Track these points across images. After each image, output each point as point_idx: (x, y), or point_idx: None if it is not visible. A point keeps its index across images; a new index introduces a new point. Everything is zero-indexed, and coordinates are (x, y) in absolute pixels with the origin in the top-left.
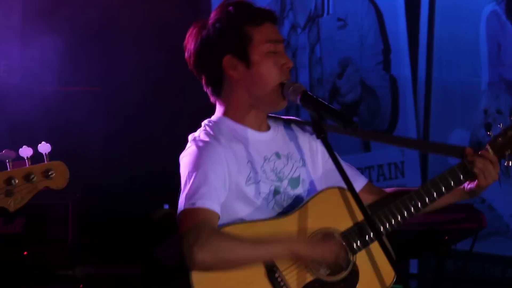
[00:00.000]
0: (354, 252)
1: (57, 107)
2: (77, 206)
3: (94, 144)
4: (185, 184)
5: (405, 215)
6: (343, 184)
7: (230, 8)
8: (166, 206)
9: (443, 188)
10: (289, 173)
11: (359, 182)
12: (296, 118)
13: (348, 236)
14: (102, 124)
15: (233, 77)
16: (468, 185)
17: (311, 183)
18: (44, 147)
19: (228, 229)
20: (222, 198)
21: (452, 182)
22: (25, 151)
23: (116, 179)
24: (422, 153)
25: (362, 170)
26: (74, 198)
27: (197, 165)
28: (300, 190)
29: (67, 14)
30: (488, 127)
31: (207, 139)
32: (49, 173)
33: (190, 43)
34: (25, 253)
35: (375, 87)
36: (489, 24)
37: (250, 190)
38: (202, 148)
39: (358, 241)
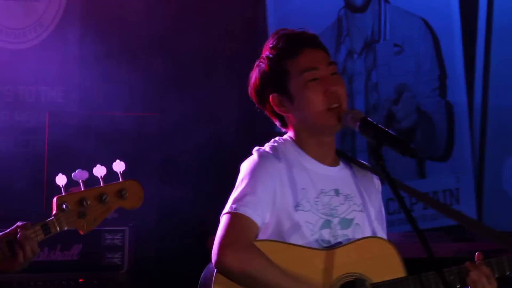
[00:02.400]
0: None
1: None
2: (133, 233)
3: (154, 169)
4: (236, 188)
5: None
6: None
7: (269, 45)
8: None
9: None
10: (343, 213)
11: None
12: (367, 165)
13: None
14: (160, 149)
15: (283, 113)
16: None
17: (366, 230)
18: (119, 166)
19: (264, 243)
20: (266, 211)
21: (496, 272)
22: (99, 170)
23: (173, 206)
24: (477, 180)
25: None
26: (131, 225)
27: (251, 173)
28: (349, 232)
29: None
30: None
31: (270, 152)
32: (123, 193)
33: (249, 83)
34: (81, 280)
35: (431, 113)
36: None
37: (297, 216)
38: (261, 159)
39: None
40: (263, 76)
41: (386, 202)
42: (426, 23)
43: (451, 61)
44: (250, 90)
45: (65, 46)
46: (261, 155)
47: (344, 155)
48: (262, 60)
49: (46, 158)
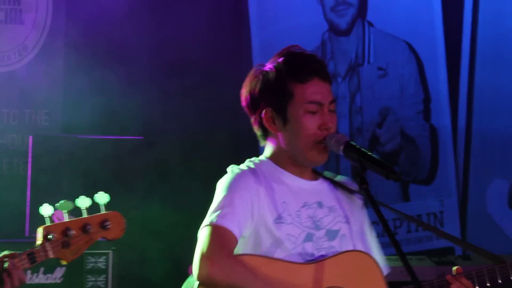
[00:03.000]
0: None
1: (98, 155)
2: (117, 256)
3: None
4: (213, 203)
5: None
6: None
7: (280, 59)
8: None
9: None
10: (328, 224)
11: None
12: (346, 183)
13: None
14: (143, 174)
15: (271, 130)
16: None
17: (350, 241)
18: (102, 198)
19: (246, 258)
20: (244, 224)
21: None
22: (82, 202)
23: (154, 231)
24: (461, 203)
25: (401, 220)
26: (114, 248)
27: (227, 188)
28: (336, 244)
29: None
30: None
31: (244, 168)
32: (106, 224)
33: (243, 88)
34: None
35: (415, 137)
36: None
37: (277, 229)
38: (236, 175)
39: None
40: (265, 87)
41: (370, 225)
42: (410, 46)
43: (435, 84)
44: (244, 93)
45: (49, 69)
46: (236, 171)
47: (320, 173)
48: (270, 70)
49: (29, 181)
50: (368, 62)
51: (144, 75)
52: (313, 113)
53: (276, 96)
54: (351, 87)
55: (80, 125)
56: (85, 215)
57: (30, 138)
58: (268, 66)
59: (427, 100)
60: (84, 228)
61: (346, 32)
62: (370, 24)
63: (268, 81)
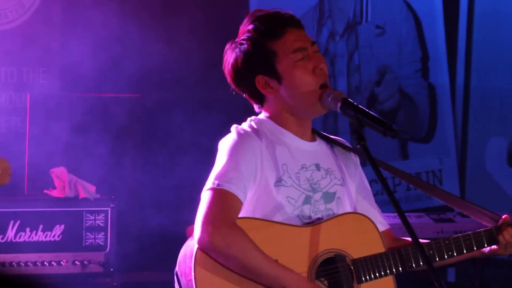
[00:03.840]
0: (360, 281)
1: (97, 113)
2: (115, 214)
3: (129, 151)
4: (216, 165)
5: (420, 263)
6: (370, 214)
7: (250, 27)
8: None
9: (464, 248)
10: (325, 187)
11: (379, 226)
12: (342, 141)
13: (358, 264)
14: (139, 130)
15: (270, 94)
16: (485, 248)
17: (347, 204)
18: None
19: (246, 221)
20: (248, 188)
21: (475, 246)
22: None
23: (152, 188)
24: (460, 161)
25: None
26: (113, 205)
27: (231, 150)
28: (333, 206)
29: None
30: None
31: (248, 130)
32: None
33: (224, 65)
34: (64, 260)
35: (413, 95)
36: None
37: (278, 192)
38: (241, 136)
39: (367, 273)
40: (247, 58)
41: (369, 183)
42: (408, 5)
43: (434, 43)
44: (229, 71)
45: (47, 27)
46: (240, 132)
47: (319, 133)
48: (244, 41)
49: (27, 140)
50: (366, 20)
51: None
52: (302, 60)
53: (261, 61)
54: (349, 46)
55: (78, 83)
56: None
57: (28, 96)
58: (241, 39)
59: (425, 58)
60: None
61: None
62: None
63: (247, 51)
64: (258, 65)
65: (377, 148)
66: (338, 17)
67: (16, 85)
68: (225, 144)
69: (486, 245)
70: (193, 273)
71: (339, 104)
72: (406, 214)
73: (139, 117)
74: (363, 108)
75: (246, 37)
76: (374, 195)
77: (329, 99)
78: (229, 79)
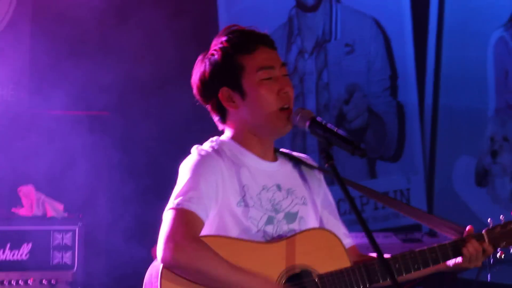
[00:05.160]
0: None
1: (64, 131)
2: (83, 232)
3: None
4: (178, 185)
5: (386, 277)
6: (335, 229)
7: (223, 38)
8: None
9: (430, 261)
10: (287, 207)
11: (345, 242)
12: (306, 158)
13: (324, 279)
14: (108, 150)
15: (231, 108)
16: (450, 261)
17: (310, 223)
18: None
19: (210, 239)
20: (210, 207)
21: (440, 258)
22: None
23: (120, 206)
24: (428, 181)
25: (368, 197)
26: (80, 224)
27: (192, 170)
28: (296, 226)
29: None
30: (494, 154)
31: (209, 150)
32: None
33: (193, 76)
34: (31, 279)
35: (381, 113)
36: (496, 50)
37: (240, 212)
38: (202, 157)
39: (333, 287)
40: (215, 68)
41: (337, 203)
42: (377, 23)
43: (402, 61)
44: (195, 81)
45: (16, 44)
46: (201, 153)
47: (281, 152)
48: (215, 52)
49: None
50: (335, 38)
51: (114, 48)
52: (268, 79)
53: (228, 73)
54: (318, 63)
55: (46, 100)
56: None
57: None
58: (211, 50)
59: (394, 76)
60: None
61: (313, 8)
62: (337, 1)
63: (216, 62)
64: (225, 77)
65: (345, 167)
66: (307, 35)
67: None
68: (186, 165)
69: (451, 257)
70: None
71: (307, 123)
72: (374, 233)
73: (108, 136)
74: (332, 127)
75: (217, 48)
76: (342, 214)
77: (298, 117)
78: (194, 89)
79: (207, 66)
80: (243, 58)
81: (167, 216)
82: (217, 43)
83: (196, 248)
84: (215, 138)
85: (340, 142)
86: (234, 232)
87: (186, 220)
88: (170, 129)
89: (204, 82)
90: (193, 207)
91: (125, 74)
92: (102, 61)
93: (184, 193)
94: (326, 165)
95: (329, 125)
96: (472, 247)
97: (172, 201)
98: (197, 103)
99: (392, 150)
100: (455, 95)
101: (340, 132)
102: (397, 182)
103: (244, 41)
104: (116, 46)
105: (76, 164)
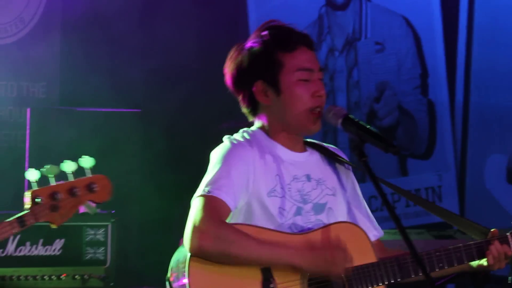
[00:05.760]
0: None
1: (96, 128)
2: (116, 228)
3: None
4: (208, 173)
5: (411, 275)
6: (363, 222)
7: (265, 33)
8: None
9: (455, 260)
10: (315, 198)
11: (371, 235)
12: (336, 151)
13: (350, 273)
14: (140, 146)
15: (264, 103)
16: (473, 262)
17: (338, 214)
18: (87, 161)
19: (238, 227)
20: (239, 196)
21: (465, 259)
22: (68, 166)
23: (155, 202)
24: (459, 178)
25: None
26: (113, 220)
27: (224, 158)
28: (323, 217)
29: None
30: None
31: (241, 139)
32: (92, 187)
33: (228, 67)
34: (64, 275)
35: (412, 111)
36: None
37: (271, 202)
38: (234, 146)
39: (359, 282)
40: (254, 60)
41: (369, 200)
42: (407, 21)
43: (433, 59)
44: (231, 70)
45: (46, 41)
46: (233, 142)
47: (309, 142)
48: (255, 44)
49: (27, 154)
50: (365, 36)
51: (140, 48)
52: (305, 80)
53: (266, 67)
54: (348, 62)
55: (77, 97)
56: (71, 179)
57: (28, 111)
58: (251, 41)
59: (424, 74)
60: (71, 191)
61: (343, 7)
62: None
63: (256, 54)
64: (263, 70)
65: (376, 164)
66: (338, 33)
67: (15, 99)
68: (218, 153)
69: (475, 258)
70: (187, 278)
71: (340, 120)
72: (406, 230)
73: (143, 133)
74: (365, 124)
75: (259, 41)
76: (374, 211)
77: (330, 115)
78: (228, 78)
79: (246, 57)
80: (284, 55)
81: (196, 203)
82: (257, 36)
83: (222, 233)
84: (246, 128)
85: (373, 139)
86: (261, 222)
87: (214, 208)
88: (205, 124)
89: (241, 72)
90: (223, 195)
91: (154, 70)
92: (130, 58)
93: (215, 181)
94: (360, 162)
95: (361, 123)
96: (495, 248)
97: (202, 188)
98: (229, 90)
99: (423, 147)
100: (485, 92)
101: (373, 129)
102: (428, 180)
103: (286, 39)
104: (145, 41)
105: (108, 161)
